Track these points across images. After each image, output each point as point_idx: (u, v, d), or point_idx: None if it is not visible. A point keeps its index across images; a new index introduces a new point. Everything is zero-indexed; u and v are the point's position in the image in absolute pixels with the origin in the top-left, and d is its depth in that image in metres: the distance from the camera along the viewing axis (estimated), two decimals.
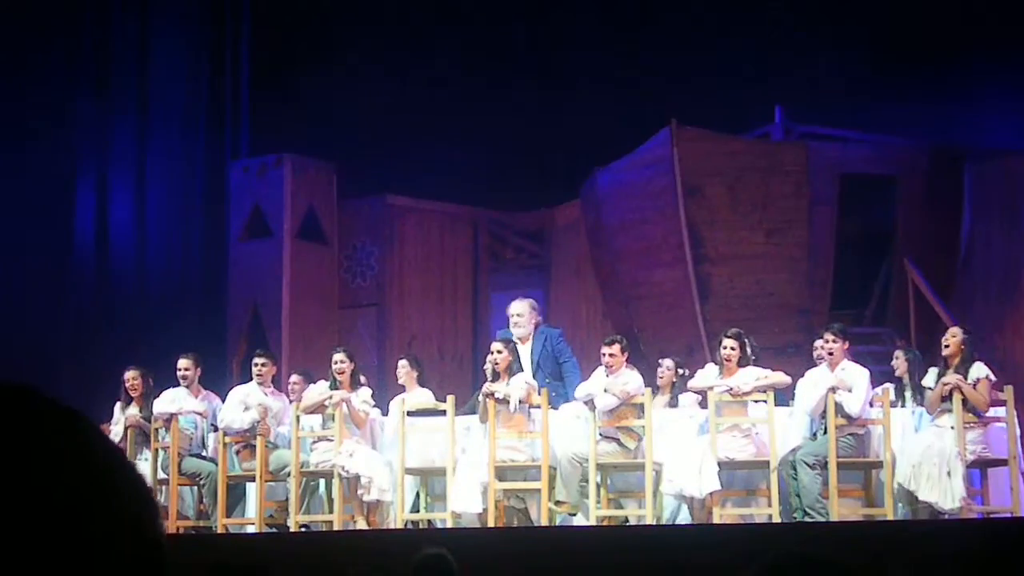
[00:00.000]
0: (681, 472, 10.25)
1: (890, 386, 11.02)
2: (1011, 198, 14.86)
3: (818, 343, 10.96)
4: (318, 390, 11.40)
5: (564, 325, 17.08)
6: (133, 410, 11.87)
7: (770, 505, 10.27)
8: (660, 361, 11.63)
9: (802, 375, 10.70)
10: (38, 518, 1.08)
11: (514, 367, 10.89)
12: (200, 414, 11.76)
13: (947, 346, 10.38)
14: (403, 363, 12.05)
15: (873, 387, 10.63)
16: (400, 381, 11.89)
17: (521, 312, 11.58)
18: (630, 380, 10.58)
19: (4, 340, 15.91)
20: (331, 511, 11.01)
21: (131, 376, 11.96)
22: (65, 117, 17.76)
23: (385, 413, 11.58)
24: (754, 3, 16.29)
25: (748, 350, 10.67)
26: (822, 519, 9.96)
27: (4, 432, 1.11)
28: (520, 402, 10.63)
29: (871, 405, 10.47)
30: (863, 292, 15.32)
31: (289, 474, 11.05)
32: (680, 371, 11.53)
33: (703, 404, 10.80)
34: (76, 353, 16.80)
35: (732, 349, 10.63)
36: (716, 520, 10.23)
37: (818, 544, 8.57)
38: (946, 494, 9.83)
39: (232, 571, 5.17)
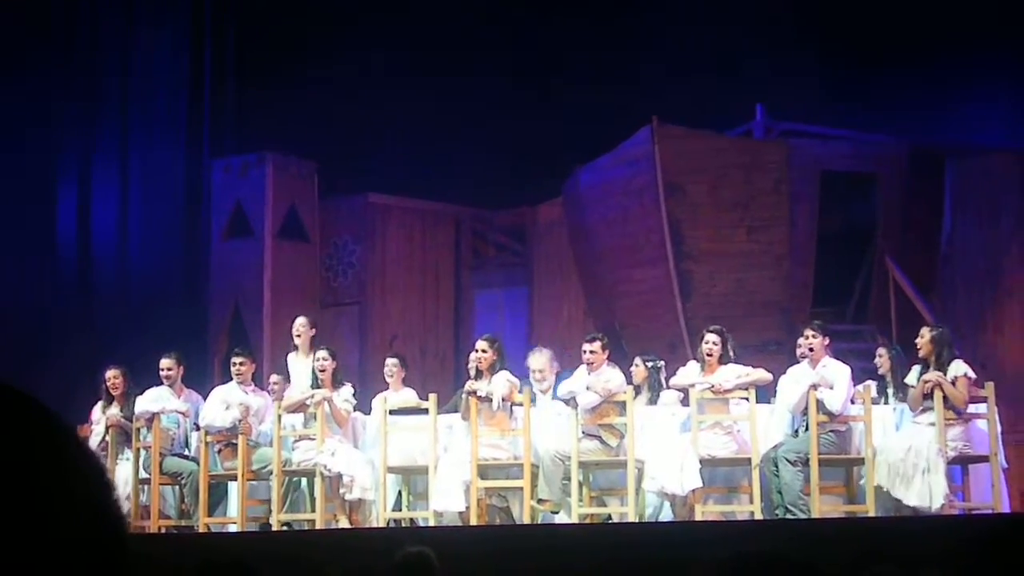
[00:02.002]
0: (663, 469, 10.26)
1: (872, 383, 11.05)
2: (991, 196, 14.89)
3: (800, 340, 10.98)
4: (300, 389, 11.40)
5: (546, 323, 17.13)
6: (114, 410, 11.85)
7: (752, 502, 10.29)
8: (635, 359, 11.63)
9: (784, 372, 10.73)
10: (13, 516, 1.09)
11: (496, 366, 10.89)
12: (182, 413, 11.74)
13: (919, 347, 10.46)
14: (393, 361, 12.04)
15: (854, 384, 10.66)
16: (388, 378, 11.88)
17: (542, 367, 11.48)
18: (612, 378, 10.59)
19: None
20: (313, 510, 11.01)
21: (112, 375, 11.95)
22: (47, 116, 17.72)
23: (367, 412, 11.58)
24: (736, 1, 16.30)
25: (729, 347, 10.70)
26: (804, 516, 9.98)
27: None
28: (503, 400, 10.64)
29: (852, 402, 10.49)
30: (844, 289, 15.35)
31: (271, 473, 11.05)
32: (649, 364, 11.49)
33: (685, 402, 10.81)
34: (57, 352, 16.75)
35: (714, 344, 10.66)
36: (698, 517, 10.25)
37: (799, 541, 8.59)
38: (927, 493, 9.87)
39: (220, 568, 5.16)
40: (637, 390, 11.22)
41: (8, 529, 1.08)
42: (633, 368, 11.44)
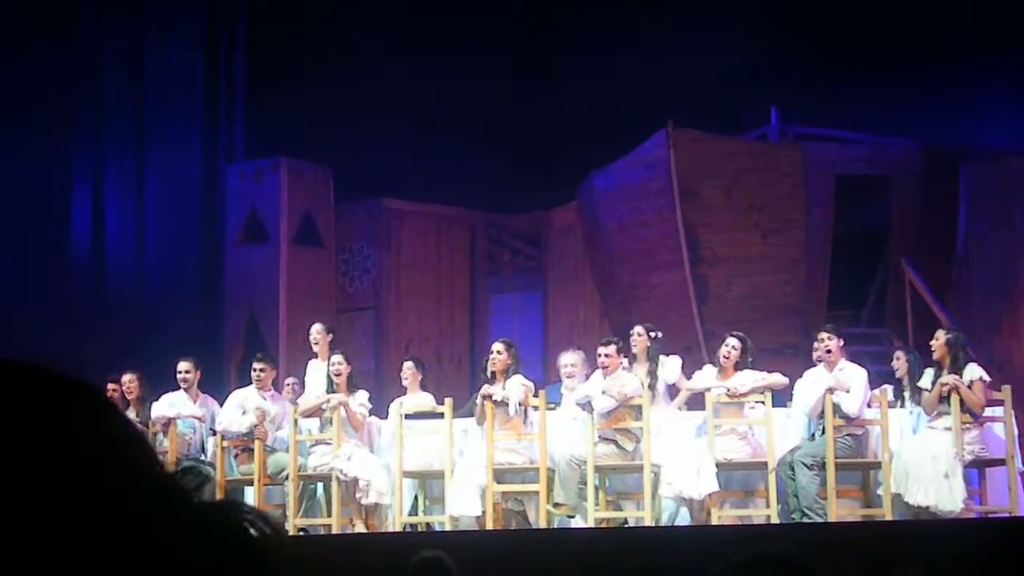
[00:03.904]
0: (679, 474, 10.25)
1: (888, 387, 11.03)
2: (1007, 198, 14.86)
3: (816, 344, 10.97)
4: (315, 393, 11.41)
5: (561, 326, 17.12)
6: (130, 414, 11.86)
7: (768, 506, 10.27)
8: (631, 331, 11.40)
9: (799, 376, 10.71)
10: (68, 494, 1.09)
11: (511, 370, 10.88)
12: (198, 419, 11.76)
13: (934, 350, 10.44)
14: (409, 364, 12.05)
15: (871, 388, 10.64)
16: (404, 382, 11.90)
17: (575, 363, 11.43)
18: (627, 382, 10.58)
19: (1, 343, 15.89)
20: (329, 514, 11.02)
21: (128, 379, 11.97)
22: (62, 122, 17.75)
23: (383, 416, 11.59)
24: (750, 4, 16.28)
25: (748, 354, 10.70)
26: (820, 520, 9.97)
27: (26, 409, 1.12)
28: (519, 404, 10.64)
29: (869, 406, 10.48)
30: (860, 293, 15.33)
31: (287, 477, 11.05)
32: (652, 334, 11.33)
33: (695, 406, 10.81)
34: (72, 357, 16.76)
35: (734, 349, 10.67)
36: (715, 521, 10.23)
37: (816, 545, 8.57)
38: (945, 497, 9.84)
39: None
40: (633, 359, 11.10)
41: (59, 500, 1.09)
42: (635, 338, 11.23)
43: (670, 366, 11.21)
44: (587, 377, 11.16)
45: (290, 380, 12.74)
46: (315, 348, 12.10)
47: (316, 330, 12.22)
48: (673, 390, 11.17)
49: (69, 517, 1.08)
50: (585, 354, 11.53)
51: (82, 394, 1.16)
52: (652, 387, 11.06)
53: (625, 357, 10.91)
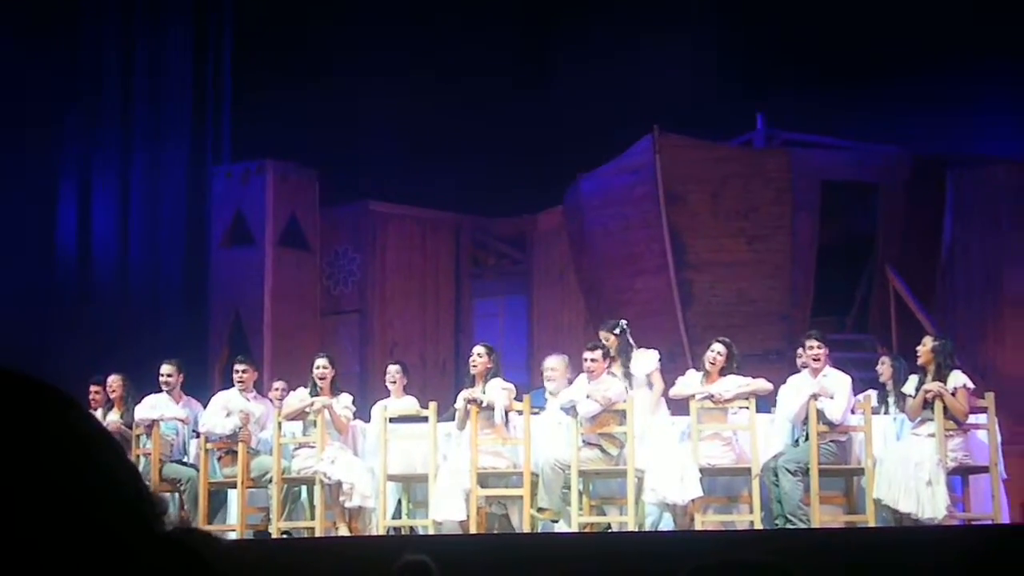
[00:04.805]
0: (663, 479, 10.25)
1: (872, 393, 11.04)
2: (992, 205, 14.90)
3: (802, 350, 10.96)
4: (299, 396, 11.38)
5: (545, 331, 17.12)
6: (114, 416, 11.84)
7: (751, 512, 10.27)
8: (600, 334, 11.38)
9: (784, 382, 10.72)
10: (38, 502, 1.08)
11: (490, 374, 10.87)
12: (181, 420, 11.73)
13: (919, 355, 10.46)
14: (395, 368, 12.00)
15: (855, 394, 10.66)
16: (389, 385, 11.85)
17: (556, 367, 11.40)
18: (611, 386, 10.57)
19: None
20: (313, 518, 11.00)
21: (112, 380, 11.95)
22: (48, 122, 17.72)
23: (367, 420, 11.56)
24: (736, 10, 16.30)
25: (734, 360, 10.70)
26: (803, 526, 9.97)
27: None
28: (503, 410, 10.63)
29: (853, 412, 10.49)
30: (845, 299, 15.34)
31: (271, 480, 11.03)
32: (616, 330, 11.25)
33: (679, 411, 10.81)
34: (57, 358, 16.74)
35: (719, 354, 10.66)
36: (698, 527, 10.23)
37: (799, 551, 8.57)
38: (928, 503, 9.85)
39: None
40: (612, 360, 11.08)
41: (48, 536, 1.09)
42: (604, 341, 11.23)
43: (646, 358, 11.21)
44: (570, 381, 11.16)
45: (278, 384, 12.67)
46: (319, 382, 11.40)
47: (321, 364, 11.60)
48: (648, 380, 11.18)
49: (28, 519, 1.08)
50: (569, 358, 11.53)
51: (51, 397, 1.16)
52: (627, 376, 11.05)
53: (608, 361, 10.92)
